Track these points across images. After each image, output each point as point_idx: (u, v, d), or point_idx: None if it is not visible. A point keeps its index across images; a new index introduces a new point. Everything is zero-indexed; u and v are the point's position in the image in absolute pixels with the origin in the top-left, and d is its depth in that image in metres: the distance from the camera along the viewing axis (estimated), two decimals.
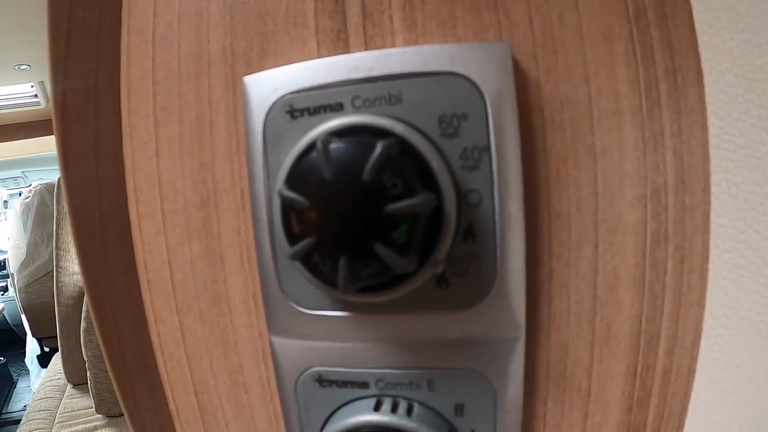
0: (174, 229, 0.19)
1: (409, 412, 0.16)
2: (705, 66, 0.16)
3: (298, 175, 0.13)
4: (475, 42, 0.15)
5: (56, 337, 1.23)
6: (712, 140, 0.16)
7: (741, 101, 0.17)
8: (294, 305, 0.16)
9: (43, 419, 1.15)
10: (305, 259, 0.13)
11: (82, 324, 1.10)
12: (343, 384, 0.16)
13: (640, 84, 0.16)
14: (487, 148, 0.14)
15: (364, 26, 0.16)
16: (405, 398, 0.16)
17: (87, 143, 0.20)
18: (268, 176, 0.16)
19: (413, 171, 0.12)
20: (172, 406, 0.21)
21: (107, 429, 1.12)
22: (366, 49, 0.16)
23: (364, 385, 0.16)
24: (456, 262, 0.15)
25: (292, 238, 0.13)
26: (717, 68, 0.16)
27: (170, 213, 0.19)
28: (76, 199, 0.20)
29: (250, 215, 0.18)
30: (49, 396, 1.25)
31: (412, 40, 0.16)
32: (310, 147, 0.13)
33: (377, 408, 0.16)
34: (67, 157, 0.20)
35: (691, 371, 0.17)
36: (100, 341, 0.20)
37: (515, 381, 0.16)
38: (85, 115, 0.20)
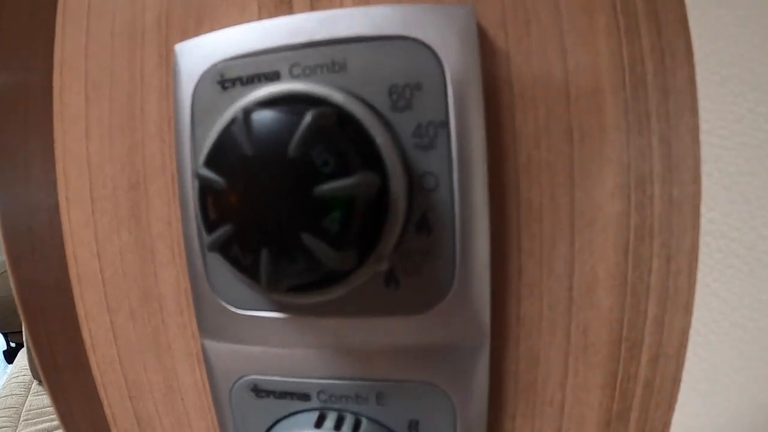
0: (103, 217, 0.17)
1: (355, 428, 0.13)
2: (696, 43, 0.14)
3: (217, 152, 0.11)
4: (432, 5, 0.13)
5: (22, 332, 1.21)
6: (703, 125, 0.14)
7: (736, 83, 0.15)
8: (224, 304, 0.14)
9: (9, 417, 1.12)
10: (224, 251, 0.11)
11: None
12: (282, 395, 0.14)
13: (623, 59, 0.14)
14: (445, 124, 0.12)
15: None
16: (352, 412, 0.14)
17: (16, 123, 0.18)
18: (196, 155, 0.14)
19: (352, 147, 0.10)
20: (107, 411, 0.19)
21: None
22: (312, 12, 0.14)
23: (305, 396, 0.14)
24: (407, 258, 0.13)
25: (210, 225, 0.11)
26: (709, 46, 0.14)
27: (99, 199, 0.17)
28: (1, 184, 0.18)
29: (179, 203, 0.16)
30: (14, 393, 1.21)
31: (362, 2, 0.14)
32: (234, 120, 0.11)
33: (319, 424, 0.13)
34: None
35: (676, 382, 0.15)
36: (28, 338, 0.18)
37: (478, 395, 0.14)
38: (15, 92, 0.18)
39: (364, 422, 0.13)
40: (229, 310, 0.14)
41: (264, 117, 0.10)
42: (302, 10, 0.14)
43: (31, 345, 0.18)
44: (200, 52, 0.13)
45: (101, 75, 0.17)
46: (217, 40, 0.13)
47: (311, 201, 0.10)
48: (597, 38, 0.13)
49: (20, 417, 1.11)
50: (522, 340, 0.14)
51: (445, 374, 0.13)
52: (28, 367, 1.26)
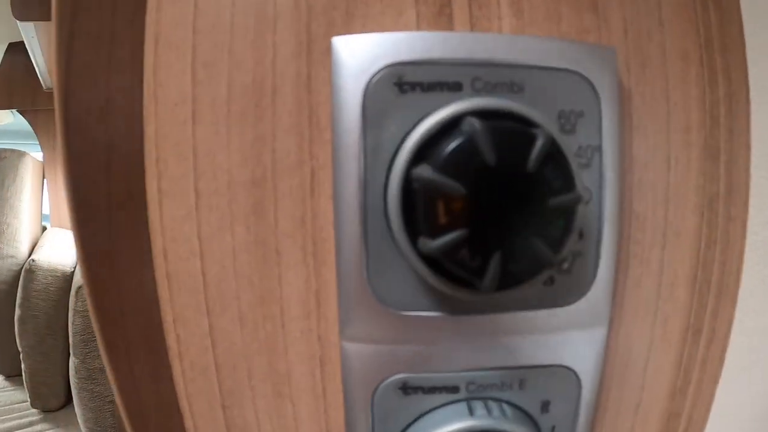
0: (211, 212, 0.16)
1: (503, 414, 0.15)
2: (752, 95, 0.18)
3: (445, 158, 0.11)
4: (586, 43, 0.15)
5: None
6: (753, 160, 0.18)
7: None
8: (384, 306, 0.14)
9: None
10: (450, 254, 0.11)
11: (17, 311, 0.91)
12: (431, 390, 0.15)
13: (705, 104, 0.17)
14: (599, 148, 0.14)
15: (470, 5, 0.15)
16: (495, 399, 0.15)
17: (95, 101, 0.16)
18: (366, 154, 0.14)
19: (566, 166, 0.12)
20: (188, 422, 0.17)
21: (43, 424, 0.96)
22: (471, 30, 0.15)
23: (454, 389, 0.15)
24: (563, 260, 0.15)
25: (437, 229, 0.11)
26: (761, 98, 0.18)
27: (207, 193, 0.16)
28: (76, 168, 0.15)
29: (322, 201, 0.15)
30: None
31: (518, 29, 0.15)
32: (449, 126, 0.12)
33: (471, 413, 0.14)
34: (68, 116, 0.15)
35: (722, 360, 0.19)
36: (101, 346, 0.16)
37: (598, 375, 0.16)
38: (95, 66, 0.15)
39: (506, 407, 0.15)
40: (387, 311, 0.14)
41: (501, 130, 0.11)
42: (462, 25, 0.15)
43: (103, 355, 0.16)
44: (370, 50, 0.13)
45: (215, 54, 0.15)
46: (390, 41, 0.13)
47: (546, 211, 0.11)
48: (689, 85, 0.16)
49: None
50: (622, 329, 0.17)
51: (577, 358, 0.15)
52: None
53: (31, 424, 0.98)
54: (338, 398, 0.16)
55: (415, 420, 0.15)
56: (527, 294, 0.14)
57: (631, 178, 0.16)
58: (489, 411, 0.14)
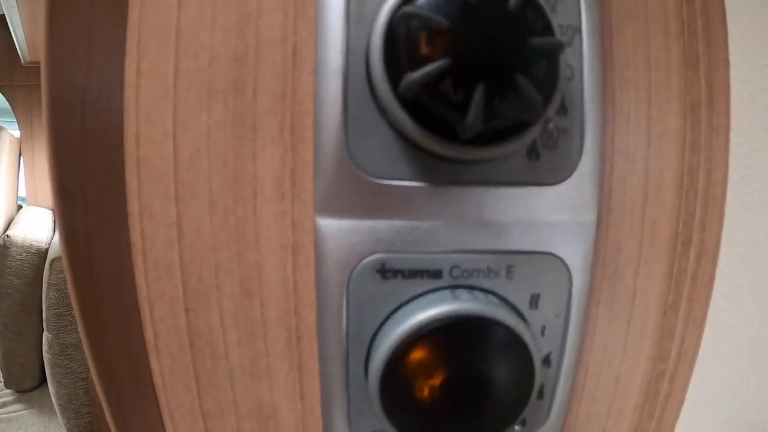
0: (189, 91, 0.15)
1: (490, 302, 0.14)
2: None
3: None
4: None
5: None
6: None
7: None
8: (363, 174, 0.13)
9: None
10: (430, 87, 0.11)
11: None
12: (411, 274, 0.14)
13: (683, 15, 0.17)
14: (579, 29, 0.14)
15: None
16: (481, 289, 0.14)
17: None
18: (349, 21, 0.13)
19: (545, 16, 0.11)
20: (149, 332, 0.16)
21: (17, 405, 0.92)
22: None
23: (437, 273, 0.14)
24: (547, 134, 0.14)
25: (418, 62, 0.10)
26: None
27: (187, 72, 0.15)
28: (57, 50, 0.14)
29: (304, 76, 0.15)
30: None
31: None
32: None
33: (457, 298, 0.13)
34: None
35: (712, 278, 0.18)
36: (60, 235, 0.14)
37: (586, 269, 0.15)
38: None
39: (494, 299, 0.14)
40: (366, 180, 0.13)
41: None
42: None
43: (61, 246, 0.15)
44: None
45: None
46: None
47: (527, 48, 0.11)
48: None
49: None
50: (610, 229, 0.16)
51: (566, 247, 0.14)
52: None
53: (4, 404, 0.93)
54: (310, 295, 0.15)
55: (395, 310, 0.14)
56: (512, 167, 0.13)
57: (612, 72, 0.16)
58: (473, 297, 0.13)
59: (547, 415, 0.16)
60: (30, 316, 0.90)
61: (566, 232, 0.14)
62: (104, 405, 0.16)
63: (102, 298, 0.15)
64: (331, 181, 0.13)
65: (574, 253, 0.14)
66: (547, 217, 0.14)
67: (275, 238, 0.15)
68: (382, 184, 0.13)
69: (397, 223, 0.13)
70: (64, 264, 0.15)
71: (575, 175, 0.14)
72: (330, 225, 0.14)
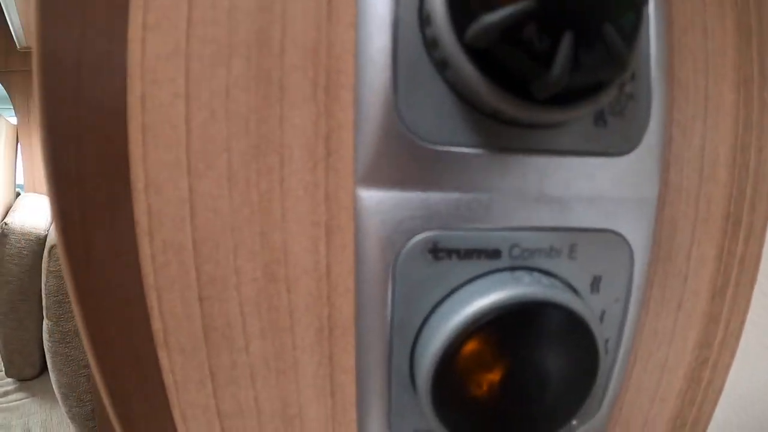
0: (205, 45, 0.13)
1: (553, 285, 0.12)
2: None
3: None
4: None
5: None
6: None
7: None
8: (415, 138, 0.11)
9: None
10: (512, 32, 0.09)
11: None
12: (467, 254, 0.12)
13: None
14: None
15: None
16: (542, 271, 0.13)
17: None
18: None
19: None
20: (157, 324, 0.13)
21: (19, 393, 0.91)
22: None
23: (495, 254, 0.12)
24: (615, 99, 0.13)
25: (493, 3, 0.09)
26: None
27: (202, 23, 0.13)
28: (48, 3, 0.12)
29: (341, 28, 0.13)
30: None
31: None
32: None
33: (519, 282, 0.12)
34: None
35: (758, 260, 0.17)
36: (53, 216, 0.12)
37: (648, 250, 0.14)
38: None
39: (558, 282, 0.12)
40: (418, 144, 0.11)
41: None
42: None
43: (56, 226, 0.12)
44: None
45: None
46: None
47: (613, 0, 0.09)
48: None
49: None
50: (667, 206, 0.15)
51: (630, 224, 0.13)
52: None
53: (6, 393, 0.90)
54: (346, 280, 0.13)
55: (449, 295, 0.12)
56: (578, 134, 0.12)
57: (671, 39, 0.15)
58: (536, 280, 0.12)
59: (599, 405, 0.14)
60: (30, 304, 0.86)
61: (629, 208, 0.13)
62: (108, 406, 0.13)
63: (102, 287, 0.13)
64: (377, 147, 0.11)
65: (637, 232, 0.13)
66: (611, 191, 0.12)
67: (305, 215, 0.13)
68: (437, 150, 0.11)
69: (454, 196, 0.12)
70: (59, 249, 0.12)
71: (642, 147, 0.12)
72: (374, 198, 0.12)
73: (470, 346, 0.11)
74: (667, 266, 0.15)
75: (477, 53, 0.10)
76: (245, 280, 0.13)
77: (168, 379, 0.14)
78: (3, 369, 0.95)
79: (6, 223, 0.88)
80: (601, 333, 0.12)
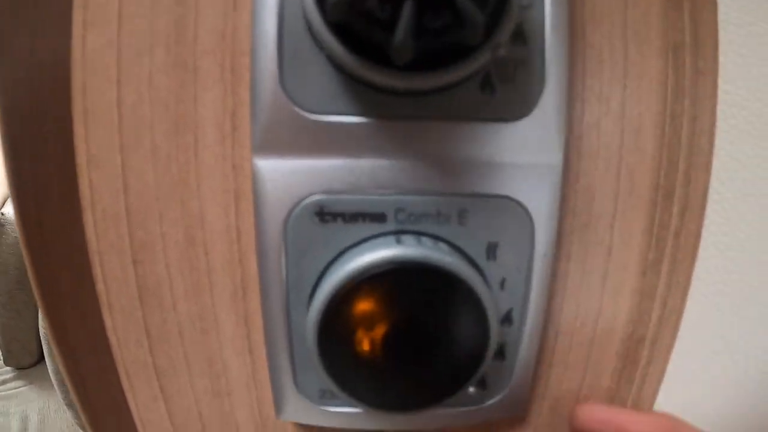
0: (132, 37, 0.14)
1: (438, 248, 0.12)
2: None
3: None
4: None
5: None
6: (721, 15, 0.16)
7: None
8: (298, 110, 0.12)
9: None
10: (356, 4, 0.09)
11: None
12: (352, 217, 0.13)
13: None
14: None
15: None
16: (431, 235, 0.13)
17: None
18: None
19: None
20: (100, 286, 0.15)
21: (17, 381, 0.94)
22: None
23: (380, 217, 0.13)
24: (503, 65, 0.13)
25: None
26: None
27: (130, 17, 0.14)
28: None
29: (244, 15, 0.14)
30: None
31: None
32: None
33: (400, 243, 0.12)
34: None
35: (698, 236, 0.16)
36: (11, 191, 0.14)
37: (551, 218, 0.13)
38: None
39: (445, 246, 0.12)
40: (302, 116, 0.12)
41: None
42: None
43: (12, 200, 0.14)
44: None
45: None
46: None
47: None
48: None
49: None
50: (581, 176, 0.14)
51: (526, 189, 0.13)
52: None
53: (4, 382, 0.94)
54: (254, 244, 0.14)
55: (336, 258, 0.13)
56: (464, 101, 0.12)
57: (582, 5, 0.14)
58: (419, 243, 0.12)
59: (510, 377, 0.14)
60: (27, 293, 0.86)
61: (527, 174, 0.13)
62: (60, 366, 0.15)
63: (53, 253, 0.15)
64: (267, 120, 0.12)
65: (537, 199, 0.13)
66: (505, 157, 0.12)
67: (217, 184, 0.14)
68: (320, 121, 0.12)
69: (337, 162, 0.12)
70: (16, 224, 0.14)
71: (536, 112, 0.12)
72: (267, 166, 0.12)
73: (350, 305, 0.11)
74: (585, 237, 0.15)
75: (338, 26, 0.10)
76: (170, 244, 0.14)
77: (112, 337, 0.15)
78: (1, 358, 0.97)
79: (2, 214, 0.87)
80: (494, 300, 0.12)
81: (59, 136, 0.14)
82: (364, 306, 0.11)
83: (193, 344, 0.15)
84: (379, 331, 0.12)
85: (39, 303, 0.15)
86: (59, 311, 0.15)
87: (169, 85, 0.14)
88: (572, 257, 0.15)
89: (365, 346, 0.12)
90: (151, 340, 0.15)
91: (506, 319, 0.13)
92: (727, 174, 0.16)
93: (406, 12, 0.09)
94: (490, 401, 0.14)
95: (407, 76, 0.10)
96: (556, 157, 0.13)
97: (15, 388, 0.94)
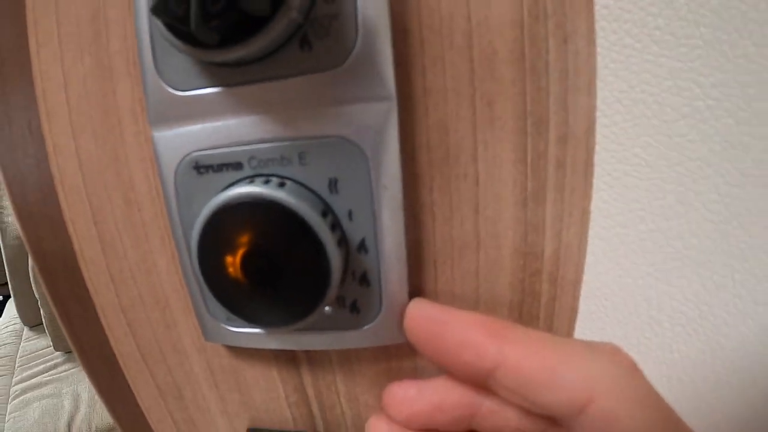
0: (68, 50, 0.21)
1: (281, 185, 0.17)
2: None
3: None
4: None
5: (8, 284, 1.29)
6: None
7: None
8: (169, 89, 0.17)
9: (4, 365, 1.24)
10: (160, 7, 0.14)
11: (31, 261, 1.19)
12: (219, 168, 0.18)
13: None
14: None
15: None
16: (278, 176, 0.17)
17: None
18: None
19: None
20: (76, 245, 0.23)
21: (67, 365, 1.19)
22: None
23: (238, 165, 0.17)
24: (317, 23, 0.16)
25: None
26: None
27: (66, 35, 0.21)
28: None
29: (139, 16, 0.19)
30: (7, 342, 1.33)
31: None
32: None
33: (251, 184, 0.17)
34: None
35: (588, 164, 0.17)
36: (4, 182, 0.22)
37: (389, 152, 0.16)
38: None
39: (289, 183, 0.17)
40: (172, 93, 0.17)
41: None
42: None
43: (4, 183, 0.22)
44: None
45: None
46: None
47: None
48: None
49: (15, 364, 1.24)
50: (430, 110, 0.17)
51: (357, 129, 0.16)
52: (17, 316, 1.37)
53: (55, 366, 1.19)
54: None
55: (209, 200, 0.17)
56: (287, 61, 0.16)
57: None
58: (266, 183, 0.16)
59: (380, 304, 0.18)
60: None
61: (355, 114, 0.16)
62: (54, 311, 0.23)
63: (41, 223, 0.22)
64: (152, 100, 0.18)
65: (367, 134, 0.16)
66: (331, 102, 0.16)
67: (137, 155, 0.20)
68: (185, 95, 0.17)
69: (203, 126, 0.17)
70: (9, 201, 0.22)
71: (353, 57, 0.15)
72: (158, 135, 0.18)
73: (215, 234, 0.16)
74: (445, 169, 0.17)
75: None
76: (115, 205, 0.21)
77: (90, 284, 0.23)
78: (52, 344, 1.22)
79: None
80: (327, 226, 0.16)
81: (32, 137, 0.21)
82: (224, 235, 0.16)
83: (143, 284, 0.21)
84: (239, 257, 0.16)
85: (36, 265, 0.23)
86: (49, 268, 0.23)
87: (95, 82, 0.20)
88: (435, 189, 0.17)
89: (232, 270, 0.16)
90: (116, 284, 0.22)
91: (361, 246, 0.17)
92: (613, 95, 0.17)
93: (193, 4, 0.13)
94: (367, 326, 0.18)
95: (220, 52, 0.15)
96: (383, 96, 0.16)
97: (66, 371, 1.19)
